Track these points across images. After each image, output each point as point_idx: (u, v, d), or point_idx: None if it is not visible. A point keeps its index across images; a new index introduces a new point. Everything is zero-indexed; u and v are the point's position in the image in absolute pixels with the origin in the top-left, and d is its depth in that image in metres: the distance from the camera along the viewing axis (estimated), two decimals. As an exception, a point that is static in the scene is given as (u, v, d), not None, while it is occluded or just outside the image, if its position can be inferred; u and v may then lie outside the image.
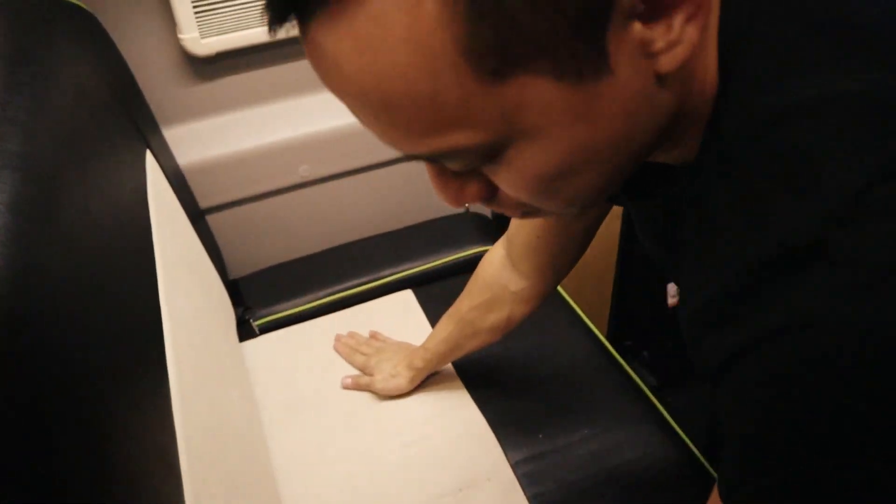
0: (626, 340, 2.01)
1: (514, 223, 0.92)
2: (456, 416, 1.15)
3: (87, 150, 0.80)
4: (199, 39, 1.23)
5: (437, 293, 1.39)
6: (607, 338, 1.93)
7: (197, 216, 1.35)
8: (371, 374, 1.18)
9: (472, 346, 1.09)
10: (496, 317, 1.02)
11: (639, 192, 0.58)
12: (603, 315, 1.88)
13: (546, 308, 1.35)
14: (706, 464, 1.10)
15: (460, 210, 1.64)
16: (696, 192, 0.49)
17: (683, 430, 1.83)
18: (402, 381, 1.15)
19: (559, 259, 0.93)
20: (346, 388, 1.20)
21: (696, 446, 1.77)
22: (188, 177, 1.33)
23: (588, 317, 1.80)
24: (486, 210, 1.68)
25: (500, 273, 0.99)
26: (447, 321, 1.09)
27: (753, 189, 0.43)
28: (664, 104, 0.44)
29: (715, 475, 1.08)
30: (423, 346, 1.14)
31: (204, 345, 0.93)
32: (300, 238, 1.52)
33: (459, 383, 1.19)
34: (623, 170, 0.47)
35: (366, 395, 1.19)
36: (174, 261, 0.92)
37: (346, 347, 1.25)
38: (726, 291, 0.45)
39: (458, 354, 1.12)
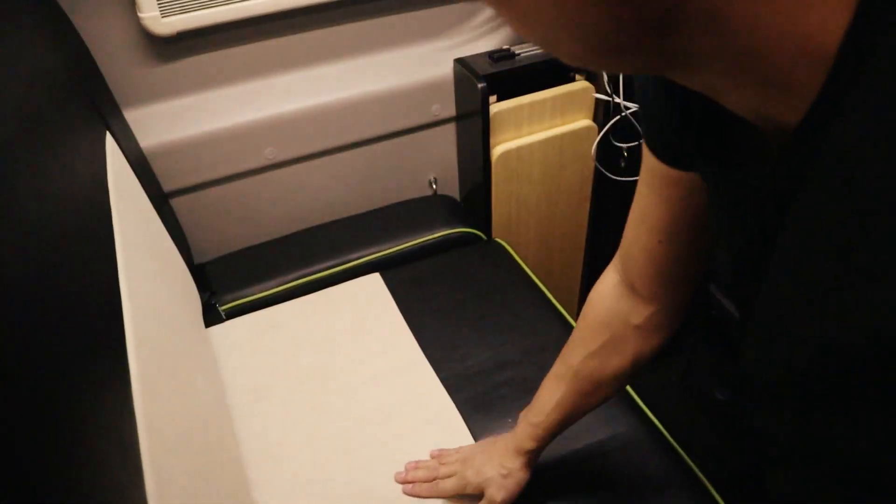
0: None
1: (629, 232, 0.76)
2: (425, 400, 1.14)
3: (44, 132, 0.78)
4: (160, 18, 1.20)
5: (404, 276, 1.38)
6: (577, 319, 1.95)
7: (160, 200, 1.32)
8: (480, 490, 0.97)
9: (591, 405, 0.89)
10: (620, 361, 0.83)
11: (733, 158, 0.51)
12: (573, 297, 1.89)
13: (514, 289, 1.36)
14: (672, 441, 1.11)
15: (428, 193, 1.63)
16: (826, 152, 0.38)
17: (653, 409, 1.86)
18: (518, 474, 0.95)
19: (689, 268, 0.74)
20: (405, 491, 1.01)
21: (663, 424, 1.81)
22: (151, 160, 1.30)
23: (557, 298, 1.81)
24: (454, 191, 1.68)
25: (617, 305, 0.81)
26: (555, 383, 0.90)
27: None
28: None
29: (681, 452, 1.09)
30: (526, 421, 0.94)
31: (167, 331, 0.91)
32: (266, 222, 1.50)
33: (429, 368, 1.19)
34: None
35: (333, 380, 1.18)
36: (136, 246, 0.90)
37: (425, 476, 1.02)
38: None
39: (575, 420, 0.92)
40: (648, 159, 0.66)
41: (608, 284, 0.83)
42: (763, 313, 0.48)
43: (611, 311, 0.82)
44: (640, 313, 0.79)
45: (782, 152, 0.41)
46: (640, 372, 0.85)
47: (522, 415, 0.95)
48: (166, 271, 1.09)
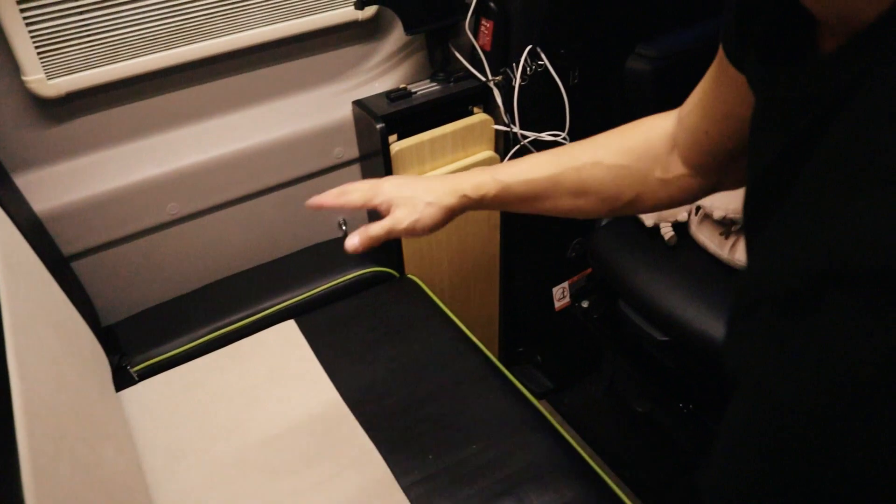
0: (518, 347, 2.06)
1: (688, 104, 0.75)
2: (345, 445, 1.14)
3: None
4: (46, 80, 1.18)
5: (320, 321, 1.38)
6: (500, 346, 1.98)
7: (60, 264, 1.29)
8: (387, 207, 0.81)
9: (562, 207, 0.82)
10: (621, 190, 0.79)
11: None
12: (493, 324, 1.91)
13: (428, 324, 1.37)
14: (591, 463, 1.13)
15: (338, 235, 1.63)
16: None
17: (581, 428, 1.89)
18: (437, 212, 0.80)
19: (727, 166, 0.74)
20: (352, 248, 0.80)
21: (588, 442, 1.84)
22: (47, 223, 1.27)
23: (478, 327, 1.83)
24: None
25: (659, 145, 0.78)
26: (546, 158, 0.81)
27: None
28: None
29: (600, 474, 1.11)
30: (483, 169, 0.83)
31: (66, 403, 0.88)
32: (175, 277, 1.48)
33: (346, 410, 1.19)
34: None
35: (252, 433, 1.16)
36: (26, 316, 0.88)
37: (330, 195, 0.86)
38: None
39: (534, 208, 0.83)
40: (719, 51, 0.66)
41: (662, 126, 0.79)
42: (786, 220, 0.46)
43: (649, 149, 0.78)
44: (672, 168, 0.77)
45: (845, 48, 0.40)
46: (624, 212, 0.82)
47: (490, 170, 0.83)
48: (65, 339, 1.06)
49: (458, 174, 0.83)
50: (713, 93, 0.69)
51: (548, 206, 0.82)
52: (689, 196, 0.79)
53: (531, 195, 0.81)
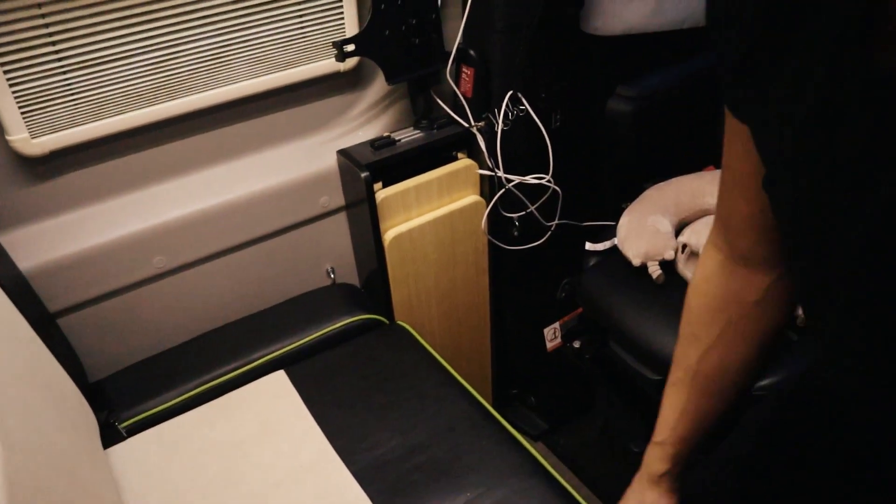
0: (512, 388, 2.05)
1: (725, 202, 0.71)
2: (337, 497, 1.12)
3: None
4: (30, 139, 1.18)
5: (309, 370, 1.37)
6: (493, 388, 1.96)
7: (46, 321, 1.28)
8: None
9: (720, 409, 0.80)
10: (744, 347, 0.76)
11: None
12: (485, 367, 1.90)
13: (419, 371, 1.36)
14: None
15: (326, 283, 1.63)
16: None
17: (577, 469, 1.87)
18: (640, 499, 0.87)
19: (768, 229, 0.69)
20: None
21: (585, 483, 1.82)
22: (32, 281, 1.26)
23: (470, 370, 1.82)
24: (354, 278, 1.68)
25: (729, 284, 0.74)
26: (674, 391, 0.81)
27: None
28: None
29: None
30: (651, 443, 0.85)
31: (50, 463, 0.87)
32: (163, 330, 1.47)
33: (339, 462, 1.17)
34: None
35: (244, 487, 1.14)
36: (8, 377, 0.87)
37: None
38: None
39: (706, 429, 0.82)
40: (730, 122, 0.63)
41: (712, 266, 0.75)
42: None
43: (723, 294, 0.74)
44: (757, 287, 0.72)
45: None
46: (767, 359, 0.76)
47: (651, 443, 0.85)
48: (51, 397, 1.05)
49: (637, 474, 0.88)
50: (743, 161, 0.64)
51: (716, 419, 0.81)
52: (789, 303, 0.74)
53: (693, 430, 0.81)
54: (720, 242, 0.74)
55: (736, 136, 0.63)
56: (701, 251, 0.78)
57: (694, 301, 0.78)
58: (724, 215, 0.72)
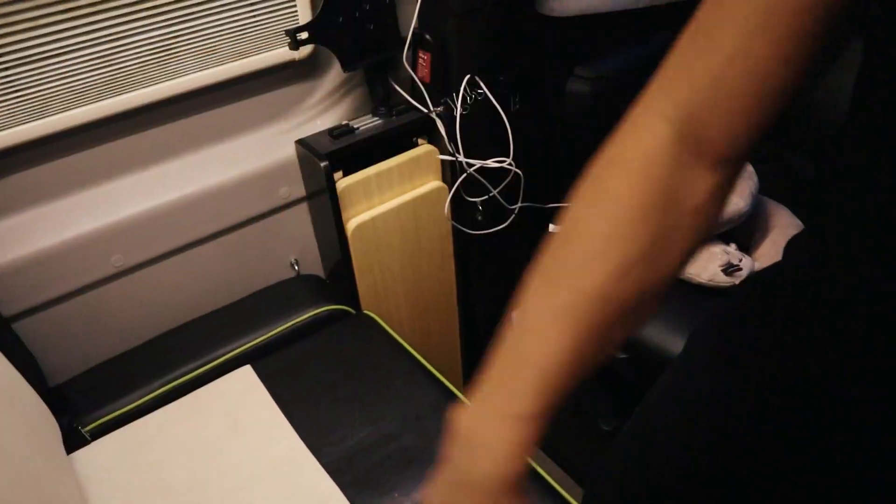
0: (483, 373, 2.05)
1: (712, 68, 0.48)
2: (309, 491, 1.11)
3: None
4: (-27, 140, 1.15)
5: (277, 364, 1.36)
6: (464, 374, 1.96)
7: (0, 326, 1.25)
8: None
9: (613, 346, 0.54)
10: (668, 265, 0.52)
11: None
12: (455, 353, 1.90)
13: (387, 360, 1.35)
14: (557, 487, 1.12)
15: (290, 275, 1.61)
16: None
17: (550, 450, 1.88)
18: (498, 455, 0.51)
19: (767, 108, 0.48)
20: None
21: (558, 464, 1.83)
22: (-15, 285, 1.23)
23: (439, 357, 1.82)
24: (319, 269, 1.67)
25: (674, 173, 0.51)
26: (557, 322, 0.51)
27: None
28: None
29: (566, 497, 1.10)
30: (521, 379, 0.51)
31: (10, 474, 0.85)
32: (125, 330, 1.44)
33: (309, 456, 1.16)
34: None
35: (214, 486, 1.13)
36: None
37: None
38: None
39: (592, 365, 0.53)
40: None
41: (655, 143, 0.51)
42: None
43: (666, 185, 0.51)
44: (700, 188, 0.51)
45: None
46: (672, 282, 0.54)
47: (479, 413, 0.53)
48: (8, 404, 1.02)
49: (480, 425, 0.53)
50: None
51: (599, 363, 0.54)
52: (716, 217, 0.54)
53: (580, 363, 0.52)
54: (673, 109, 0.51)
55: None
56: (633, 121, 0.54)
57: (623, 189, 0.51)
58: (701, 86, 0.49)
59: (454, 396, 1.28)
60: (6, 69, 1.13)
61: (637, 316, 0.54)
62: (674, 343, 1.26)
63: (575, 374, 0.51)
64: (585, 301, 0.51)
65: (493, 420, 0.52)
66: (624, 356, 1.36)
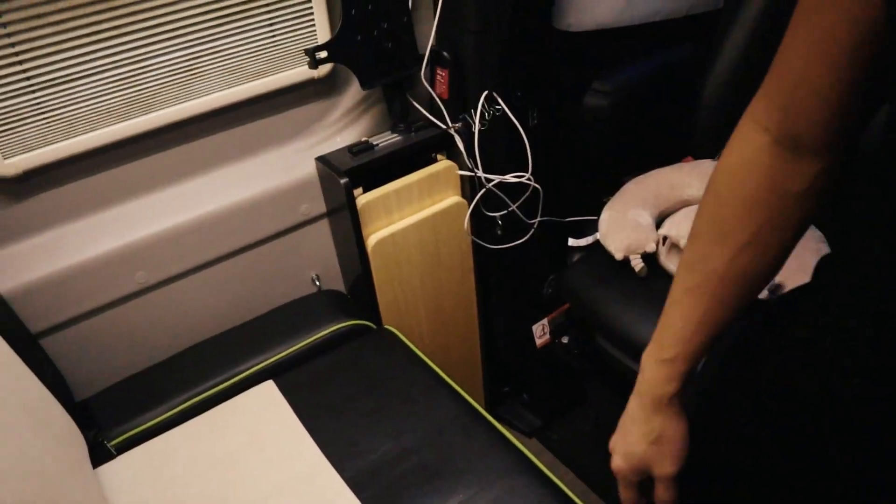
0: (503, 387, 2.05)
1: (794, 69, 0.59)
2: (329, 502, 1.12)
3: None
4: (2, 160, 1.17)
5: (299, 379, 1.36)
6: (484, 387, 1.96)
7: (28, 342, 1.27)
8: (646, 473, 0.79)
9: (733, 316, 0.70)
10: (780, 247, 0.67)
11: None
12: (476, 366, 1.90)
13: (408, 374, 1.36)
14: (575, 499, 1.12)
15: (311, 291, 1.63)
16: None
17: (572, 464, 1.88)
18: (671, 431, 0.75)
19: (865, 111, 0.59)
20: None
21: (580, 478, 1.82)
22: (12, 302, 1.25)
23: (460, 370, 1.82)
24: (340, 285, 1.68)
25: (774, 172, 0.63)
26: (691, 299, 0.70)
27: None
28: None
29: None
30: (655, 360, 0.74)
31: (38, 488, 0.86)
32: (149, 346, 1.46)
33: (332, 470, 1.17)
34: None
35: (237, 500, 1.14)
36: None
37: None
38: None
39: (715, 338, 0.72)
40: None
41: (753, 150, 0.63)
42: None
43: (768, 183, 0.63)
44: (804, 176, 0.62)
45: None
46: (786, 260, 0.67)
47: (646, 357, 0.75)
48: (36, 419, 1.04)
49: (631, 399, 0.78)
50: (835, 19, 0.54)
51: (725, 328, 0.71)
52: (827, 197, 0.64)
53: (706, 344, 0.71)
54: (768, 121, 0.62)
55: None
56: (736, 134, 0.66)
57: (726, 191, 0.66)
58: (786, 86, 0.60)
59: (475, 411, 1.28)
60: (34, 91, 1.16)
61: (753, 288, 0.69)
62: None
63: (701, 331, 0.70)
64: (709, 280, 0.68)
65: (649, 362, 0.75)
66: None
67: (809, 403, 0.66)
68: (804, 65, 0.57)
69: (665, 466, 0.75)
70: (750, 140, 0.64)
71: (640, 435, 0.76)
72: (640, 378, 0.76)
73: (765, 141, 0.62)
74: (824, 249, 1.26)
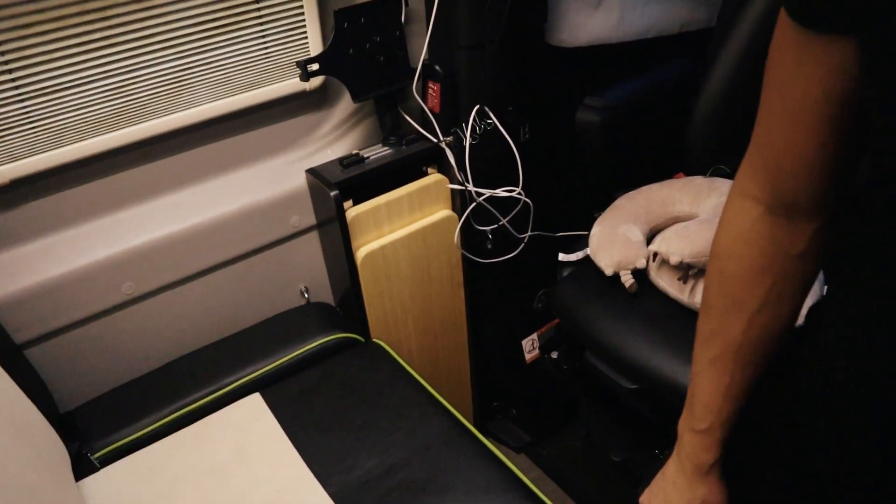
0: (492, 402, 2.04)
1: (777, 139, 0.61)
2: (314, 520, 1.11)
3: None
4: (-10, 169, 1.17)
5: (285, 392, 1.36)
6: (473, 402, 1.95)
7: (11, 353, 1.26)
8: None
9: (759, 375, 0.73)
10: (790, 306, 0.69)
11: None
12: (465, 381, 1.89)
13: (396, 389, 1.35)
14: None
15: (300, 303, 1.62)
16: None
17: (561, 480, 1.87)
18: (712, 498, 0.78)
19: (850, 169, 0.61)
20: None
21: (570, 494, 1.81)
22: (-4, 313, 1.24)
23: (449, 385, 1.81)
24: (329, 297, 1.67)
25: (774, 239, 0.65)
26: (715, 369, 0.73)
27: None
28: None
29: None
30: (690, 431, 0.78)
31: (17, 500, 0.85)
32: (135, 357, 1.45)
33: (317, 484, 1.16)
34: None
35: (218, 516, 1.13)
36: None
37: None
38: None
39: (744, 401, 0.75)
40: (790, 37, 0.55)
41: (748, 221, 0.66)
42: None
43: (768, 250, 0.66)
44: (801, 237, 0.65)
45: None
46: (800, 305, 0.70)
47: (682, 425, 0.79)
48: (18, 431, 1.03)
49: (669, 464, 0.82)
50: (808, 86, 0.56)
51: (753, 387, 0.74)
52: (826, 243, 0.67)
53: (737, 409, 0.74)
54: (759, 192, 0.64)
55: (804, 54, 0.54)
56: (728, 210, 0.68)
57: (730, 265, 0.68)
58: (771, 156, 0.62)
59: (462, 426, 1.27)
60: (23, 100, 1.15)
61: (772, 349, 0.71)
62: (680, 373, 1.25)
63: (731, 399, 0.73)
64: (729, 349, 0.71)
65: (685, 430, 0.78)
66: (634, 387, 1.35)
67: (818, 447, 0.66)
68: (787, 134, 0.59)
69: None
70: (745, 213, 0.66)
71: (684, 502, 0.79)
72: (678, 444, 0.80)
73: (758, 211, 0.65)
74: (818, 291, 1.26)
